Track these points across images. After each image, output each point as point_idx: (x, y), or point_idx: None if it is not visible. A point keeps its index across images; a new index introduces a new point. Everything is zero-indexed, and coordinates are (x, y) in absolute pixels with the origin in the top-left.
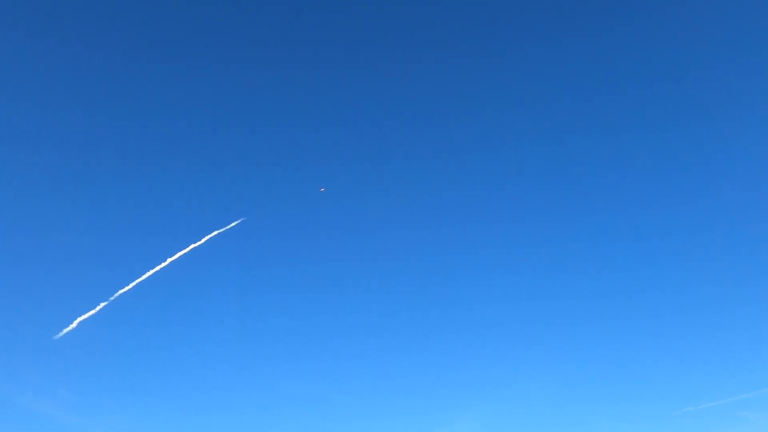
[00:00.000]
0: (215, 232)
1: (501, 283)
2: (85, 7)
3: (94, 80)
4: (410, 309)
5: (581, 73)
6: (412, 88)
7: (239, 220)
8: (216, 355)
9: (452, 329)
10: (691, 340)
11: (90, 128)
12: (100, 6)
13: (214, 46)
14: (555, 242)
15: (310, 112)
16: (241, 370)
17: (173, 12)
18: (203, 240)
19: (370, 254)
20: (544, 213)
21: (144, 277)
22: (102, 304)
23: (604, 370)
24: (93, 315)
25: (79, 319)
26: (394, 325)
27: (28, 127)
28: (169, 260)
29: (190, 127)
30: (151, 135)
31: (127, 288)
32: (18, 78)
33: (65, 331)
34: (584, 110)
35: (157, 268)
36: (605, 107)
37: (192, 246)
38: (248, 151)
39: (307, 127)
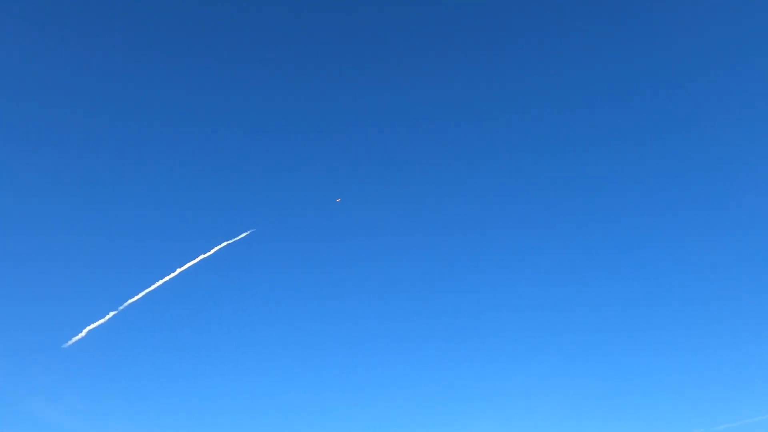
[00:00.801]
0: (224, 243)
1: (515, 292)
2: (96, 9)
3: (108, 86)
4: (421, 317)
5: (585, 77)
6: (421, 95)
7: (249, 231)
8: (224, 364)
9: (464, 338)
10: (707, 362)
11: (102, 138)
12: (112, 8)
13: (228, 55)
14: (574, 252)
15: (321, 122)
16: (249, 379)
17: (184, 15)
18: (212, 251)
19: (380, 262)
20: (562, 220)
21: (153, 287)
22: (111, 314)
23: (618, 387)
24: (102, 324)
25: (89, 327)
26: (404, 333)
27: (44, 133)
28: (178, 270)
29: (201, 137)
30: (162, 145)
31: (136, 298)
32: (31, 80)
33: (74, 339)
34: (588, 114)
35: (167, 278)
36: (610, 111)
37: (201, 257)
38: (260, 161)
39: (318, 137)
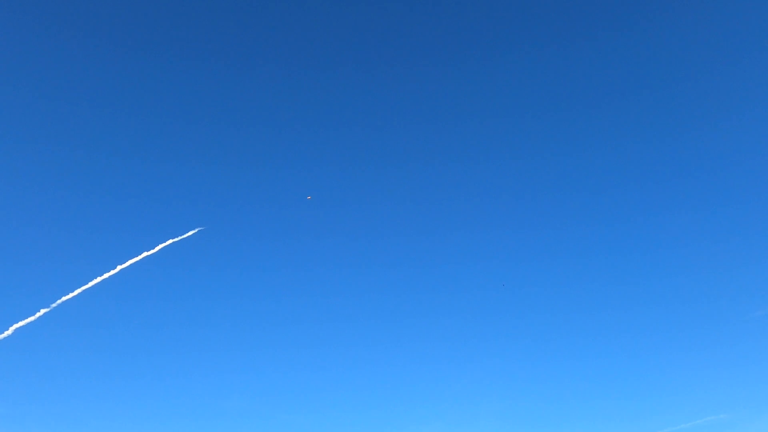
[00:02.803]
0: (170, 241)
1: (465, 297)
2: None
3: (51, 79)
4: (370, 318)
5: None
6: (375, 89)
7: (197, 229)
8: (161, 366)
9: (414, 340)
10: (638, 373)
11: (38, 128)
12: None
13: (178, 51)
14: (522, 258)
15: (273, 119)
16: (184, 381)
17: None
18: (157, 248)
19: (326, 264)
20: (531, 225)
21: (90, 284)
22: (42, 311)
23: (568, 389)
24: (32, 322)
25: (16, 325)
26: (353, 334)
27: None
28: (119, 267)
29: (149, 130)
30: (103, 135)
31: (70, 295)
32: None
33: None
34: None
35: (106, 275)
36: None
37: (145, 254)
38: (210, 159)
39: (270, 134)
